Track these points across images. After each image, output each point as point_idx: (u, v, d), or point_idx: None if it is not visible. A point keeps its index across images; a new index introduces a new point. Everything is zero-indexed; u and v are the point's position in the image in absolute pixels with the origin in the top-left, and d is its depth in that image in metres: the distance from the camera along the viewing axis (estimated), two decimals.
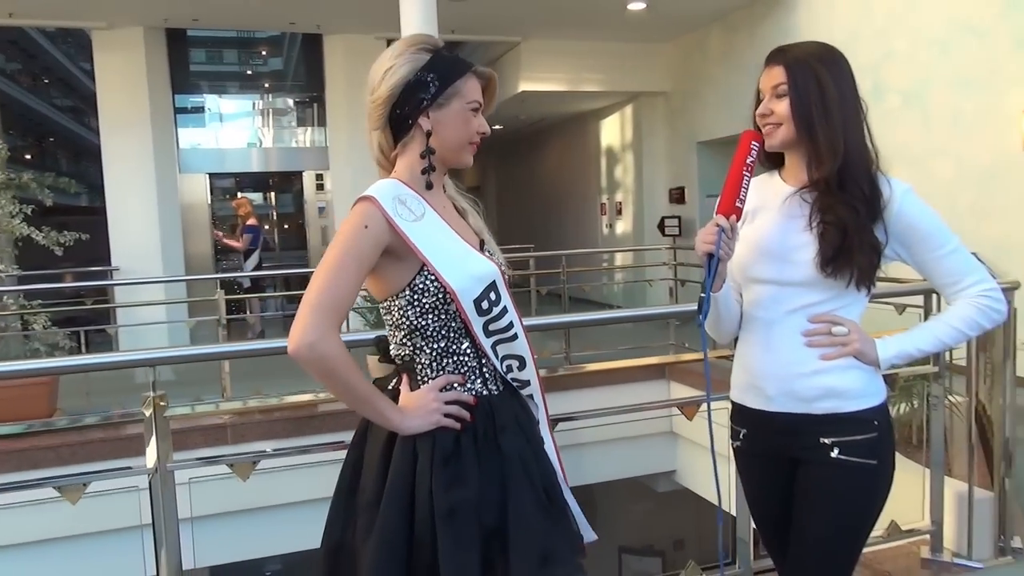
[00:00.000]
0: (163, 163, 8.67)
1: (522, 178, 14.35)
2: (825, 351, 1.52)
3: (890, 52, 6.70)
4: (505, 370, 1.47)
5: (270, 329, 8.66)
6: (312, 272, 1.36)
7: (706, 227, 1.51)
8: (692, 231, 9.45)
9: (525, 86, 9.57)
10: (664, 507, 7.68)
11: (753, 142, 1.54)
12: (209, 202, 9.68)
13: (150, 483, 2.03)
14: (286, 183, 10.64)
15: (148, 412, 2.03)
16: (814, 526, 1.54)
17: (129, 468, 2.14)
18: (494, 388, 1.45)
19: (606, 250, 10.97)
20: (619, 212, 11.35)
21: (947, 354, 2.87)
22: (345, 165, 9.14)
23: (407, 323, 1.40)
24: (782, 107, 1.52)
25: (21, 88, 22.52)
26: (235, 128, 10.73)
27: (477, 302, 1.39)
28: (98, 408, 4.90)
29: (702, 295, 1.51)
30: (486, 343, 1.42)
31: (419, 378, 1.43)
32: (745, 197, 1.51)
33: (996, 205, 5.82)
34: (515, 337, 1.46)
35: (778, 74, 1.52)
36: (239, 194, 10.21)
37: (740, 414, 1.67)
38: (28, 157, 25.01)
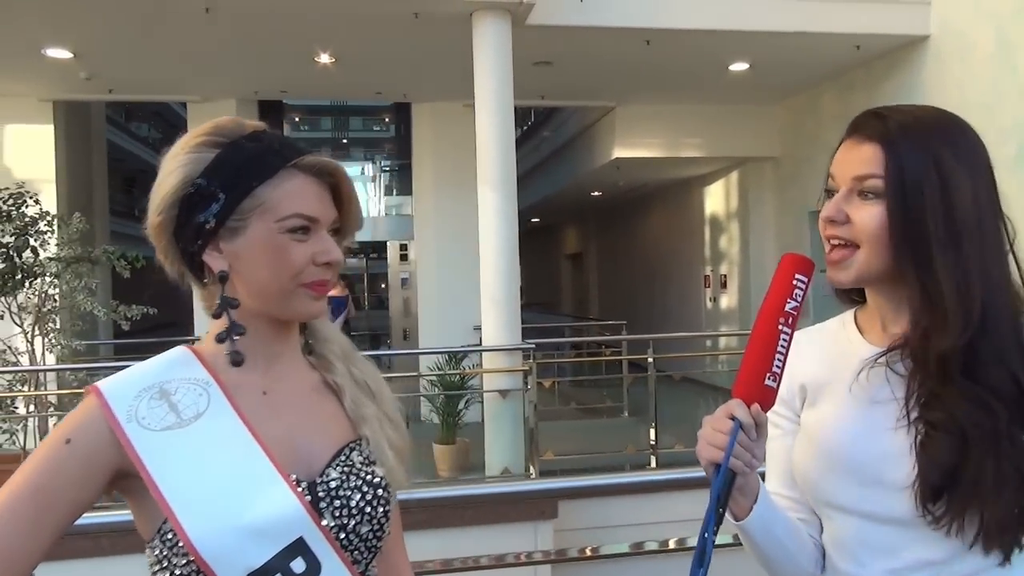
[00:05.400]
0: None
1: (622, 246, 13.76)
2: None
3: None
4: None
5: None
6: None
7: (714, 416, 0.86)
8: (805, 308, 8.52)
9: (620, 152, 9.08)
10: None
11: (798, 276, 0.90)
12: None
13: None
14: (373, 251, 10.53)
15: None
16: None
17: None
18: None
19: (703, 335, 10.13)
20: (724, 285, 10.52)
21: None
22: (429, 235, 8.85)
23: None
24: (868, 216, 0.88)
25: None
26: None
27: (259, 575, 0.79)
28: None
29: (706, 535, 0.82)
30: None
31: None
32: (782, 367, 0.86)
33: None
34: None
35: (869, 156, 0.87)
36: None
37: None
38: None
